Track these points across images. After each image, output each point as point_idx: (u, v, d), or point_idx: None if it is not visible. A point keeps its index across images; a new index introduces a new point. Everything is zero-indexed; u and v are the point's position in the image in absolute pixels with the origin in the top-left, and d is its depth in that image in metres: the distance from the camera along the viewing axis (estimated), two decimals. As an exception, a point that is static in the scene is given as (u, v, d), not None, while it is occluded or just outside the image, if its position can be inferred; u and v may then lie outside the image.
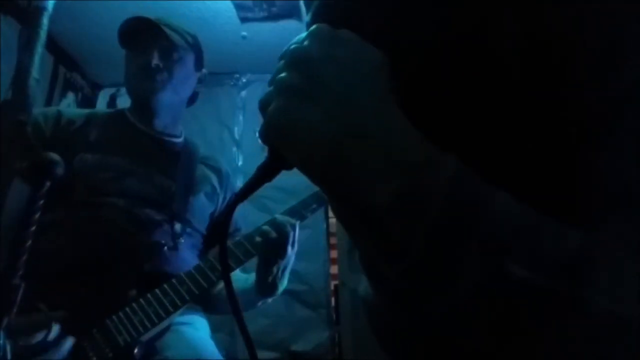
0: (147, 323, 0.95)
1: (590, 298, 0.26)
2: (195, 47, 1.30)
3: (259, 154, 0.40)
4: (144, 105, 1.24)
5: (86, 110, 1.30)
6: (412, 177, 0.30)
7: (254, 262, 1.09)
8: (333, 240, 2.21)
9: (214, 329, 1.26)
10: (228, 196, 1.33)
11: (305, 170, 0.34)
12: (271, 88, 0.36)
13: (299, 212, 1.12)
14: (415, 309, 0.32)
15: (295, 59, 0.35)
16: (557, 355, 0.26)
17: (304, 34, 0.37)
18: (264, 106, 0.36)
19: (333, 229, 2.23)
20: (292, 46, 0.36)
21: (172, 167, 1.23)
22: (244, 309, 1.23)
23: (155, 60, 1.18)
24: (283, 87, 0.35)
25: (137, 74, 1.21)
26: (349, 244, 1.76)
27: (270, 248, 1.05)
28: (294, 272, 2.03)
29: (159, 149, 1.25)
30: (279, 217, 1.09)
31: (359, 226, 0.33)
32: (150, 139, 1.26)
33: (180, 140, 1.32)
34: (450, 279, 0.28)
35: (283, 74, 0.35)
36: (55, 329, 0.87)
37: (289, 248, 1.06)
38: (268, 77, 0.38)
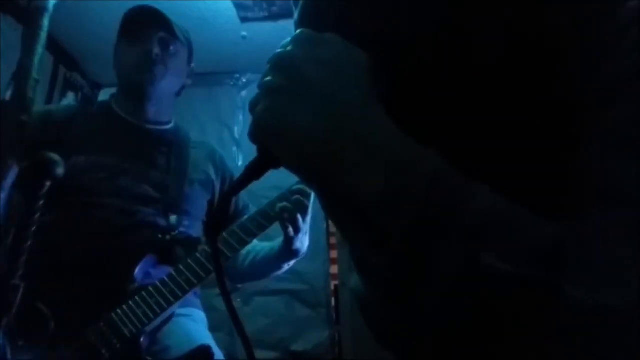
0: (150, 314, 0.99)
1: (566, 289, 0.26)
2: (188, 42, 1.32)
3: (259, 153, 0.41)
4: (138, 95, 1.23)
5: (71, 105, 1.30)
6: (396, 175, 0.31)
7: (276, 230, 1.18)
8: (333, 240, 2.21)
9: (214, 328, 1.27)
10: (227, 180, 1.34)
11: (294, 169, 0.36)
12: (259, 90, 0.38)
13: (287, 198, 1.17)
14: (404, 302, 0.33)
15: (279, 62, 0.37)
16: (541, 347, 0.27)
17: (288, 39, 0.38)
18: (252, 107, 0.37)
19: (333, 228, 2.23)
20: (278, 50, 0.38)
21: (164, 158, 1.23)
22: (270, 273, 1.31)
23: (157, 50, 1.19)
24: (268, 89, 0.36)
25: (136, 63, 1.20)
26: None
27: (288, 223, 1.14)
28: (294, 272, 2.05)
29: (150, 140, 1.25)
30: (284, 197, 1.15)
31: (347, 222, 0.35)
32: (140, 131, 1.25)
33: (170, 127, 1.32)
34: (431, 272, 0.29)
35: (268, 77, 0.37)
36: None
37: (301, 221, 1.14)
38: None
